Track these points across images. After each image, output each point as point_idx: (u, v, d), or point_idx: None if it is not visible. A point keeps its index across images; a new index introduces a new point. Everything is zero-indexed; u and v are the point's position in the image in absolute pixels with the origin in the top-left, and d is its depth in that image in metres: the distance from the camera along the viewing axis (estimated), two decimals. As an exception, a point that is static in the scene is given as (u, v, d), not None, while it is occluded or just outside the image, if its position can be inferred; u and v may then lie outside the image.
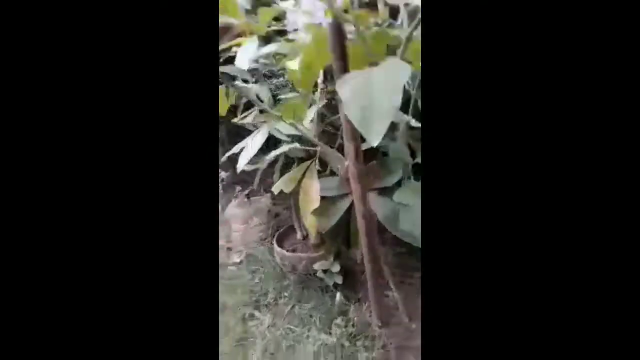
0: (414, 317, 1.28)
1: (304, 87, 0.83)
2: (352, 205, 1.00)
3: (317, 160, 0.97)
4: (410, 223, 0.78)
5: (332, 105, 1.23)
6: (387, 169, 1.00)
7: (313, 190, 0.96)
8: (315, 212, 0.97)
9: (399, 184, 1.03)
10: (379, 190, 0.98)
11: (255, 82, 1.06)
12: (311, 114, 0.91)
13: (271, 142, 0.99)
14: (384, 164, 1.02)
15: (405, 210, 0.79)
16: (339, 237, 1.12)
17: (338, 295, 1.27)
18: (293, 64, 0.76)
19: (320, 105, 0.86)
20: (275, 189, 1.01)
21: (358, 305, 1.29)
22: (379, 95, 0.47)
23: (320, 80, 0.81)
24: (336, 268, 1.26)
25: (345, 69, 0.63)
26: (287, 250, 1.38)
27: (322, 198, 0.97)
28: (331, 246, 1.16)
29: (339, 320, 1.20)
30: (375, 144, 0.46)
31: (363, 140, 0.73)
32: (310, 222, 0.97)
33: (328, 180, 1.00)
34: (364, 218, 0.88)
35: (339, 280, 1.28)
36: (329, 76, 0.90)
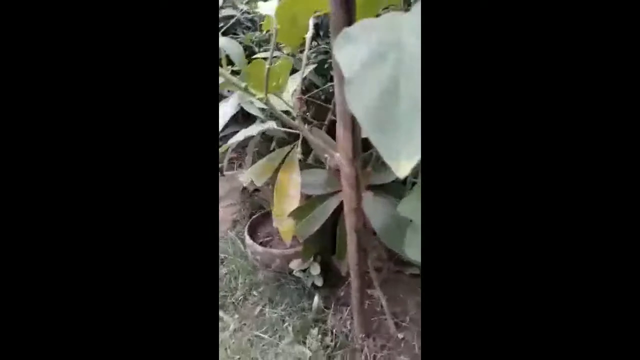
0: (402, 324, 1.13)
1: (287, 42, 0.57)
2: (341, 206, 0.79)
3: (299, 146, 0.73)
4: (417, 249, 0.56)
5: (324, 69, 0.96)
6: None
7: (292, 186, 0.72)
8: (294, 214, 0.74)
9: (403, 181, 0.81)
10: (375, 190, 0.76)
11: (224, 34, 0.77)
12: (294, 83, 0.65)
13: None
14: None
15: (414, 230, 0.57)
16: (321, 242, 0.91)
17: (316, 299, 1.09)
18: (269, 7, 0.50)
19: (306, 72, 0.60)
20: (245, 179, 0.77)
21: (337, 311, 1.12)
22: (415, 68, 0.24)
23: (309, 35, 0.55)
24: (316, 269, 1.06)
25: (349, 19, 0.38)
26: (261, 243, 1.17)
27: (304, 196, 0.75)
28: (309, 251, 0.95)
29: (315, 331, 1.03)
30: (404, 174, 0.24)
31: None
32: (285, 227, 0.75)
33: (312, 173, 0.77)
34: (356, 232, 0.66)
35: (319, 282, 1.09)
36: (322, 30, 0.63)
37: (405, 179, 0.80)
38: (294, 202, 0.73)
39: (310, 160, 0.90)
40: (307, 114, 0.83)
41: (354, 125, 0.48)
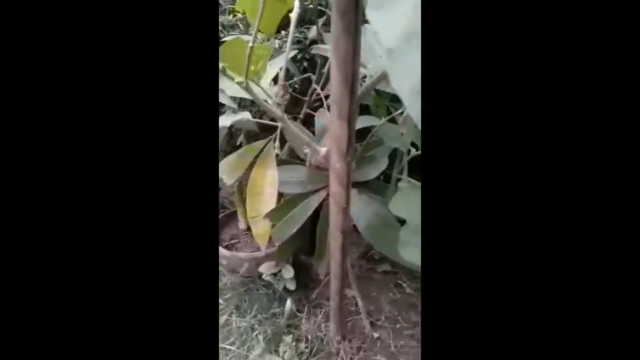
0: (376, 323, 1.10)
1: (265, 27, 0.49)
2: (321, 205, 0.73)
3: (277, 140, 0.65)
4: (414, 250, 0.52)
5: (297, 59, 0.89)
6: (372, 156, 0.73)
7: (268, 184, 0.65)
8: (271, 215, 0.67)
9: (386, 178, 0.77)
10: (359, 188, 0.71)
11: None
12: (272, 70, 0.57)
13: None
14: (369, 148, 0.74)
15: (408, 232, 0.53)
16: (297, 243, 0.84)
17: (289, 303, 1.02)
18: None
19: (289, 56, 0.53)
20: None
21: (312, 314, 1.07)
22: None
23: (294, 16, 0.48)
24: (289, 272, 0.99)
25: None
26: (226, 246, 1.08)
27: (280, 195, 0.67)
28: (285, 253, 0.88)
29: (289, 338, 0.96)
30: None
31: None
32: (260, 229, 0.67)
33: (291, 169, 0.70)
34: (342, 232, 0.61)
35: (292, 285, 1.03)
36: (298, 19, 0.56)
37: (390, 176, 0.76)
38: (270, 202, 0.66)
39: (284, 156, 0.83)
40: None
41: (350, 115, 0.42)
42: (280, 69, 0.51)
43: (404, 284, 1.25)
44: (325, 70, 0.84)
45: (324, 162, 0.64)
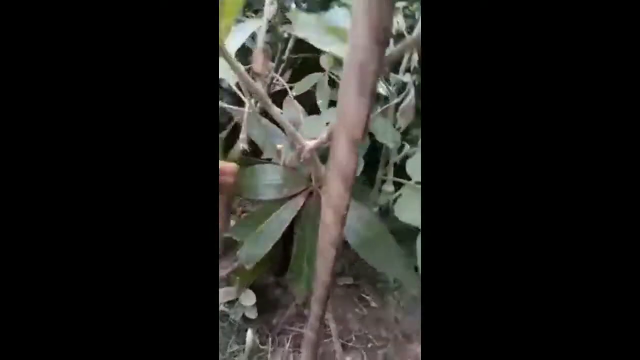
0: (347, 345, 0.99)
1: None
2: (298, 214, 0.59)
3: (244, 132, 0.50)
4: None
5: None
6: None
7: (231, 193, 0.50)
8: (234, 232, 0.52)
9: (370, 180, 0.67)
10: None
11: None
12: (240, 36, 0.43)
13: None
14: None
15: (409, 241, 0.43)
16: (264, 262, 0.69)
17: (249, 336, 0.85)
18: None
19: (271, 16, 0.39)
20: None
21: (277, 344, 0.91)
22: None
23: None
24: (250, 299, 0.83)
25: None
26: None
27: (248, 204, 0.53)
28: (247, 277, 0.72)
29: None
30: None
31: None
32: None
33: (263, 171, 0.55)
34: (336, 247, 0.49)
35: (252, 314, 0.86)
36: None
37: (374, 179, 0.66)
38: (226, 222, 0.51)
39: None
40: (274, 77, 0.59)
41: (373, 90, 0.31)
42: (258, 30, 0.37)
43: (368, 297, 1.17)
44: (285, 56, 0.72)
45: (305, 159, 0.52)
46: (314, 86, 0.65)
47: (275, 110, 0.39)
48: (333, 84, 0.70)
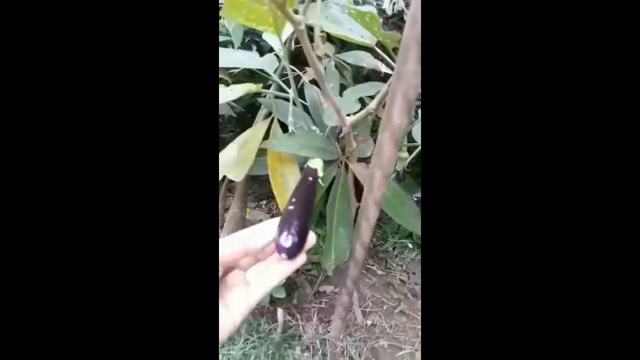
0: (365, 311, 1.08)
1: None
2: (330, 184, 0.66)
3: (290, 112, 0.55)
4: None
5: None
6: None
7: (291, 176, 0.55)
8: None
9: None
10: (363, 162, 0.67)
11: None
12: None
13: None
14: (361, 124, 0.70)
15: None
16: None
17: (280, 315, 0.91)
18: None
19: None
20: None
21: (307, 319, 0.97)
22: None
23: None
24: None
25: None
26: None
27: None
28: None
29: (292, 353, 0.85)
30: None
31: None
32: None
33: (305, 135, 0.60)
34: (378, 206, 0.56)
35: (280, 293, 0.91)
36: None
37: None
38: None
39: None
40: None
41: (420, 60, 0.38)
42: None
43: (373, 267, 1.26)
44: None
45: (345, 133, 0.58)
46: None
47: (328, 90, 0.45)
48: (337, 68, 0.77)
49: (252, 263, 0.29)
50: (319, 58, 0.41)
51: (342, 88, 0.76)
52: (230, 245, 0.27)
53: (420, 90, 0.41)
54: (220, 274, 0.26)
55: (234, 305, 0.26)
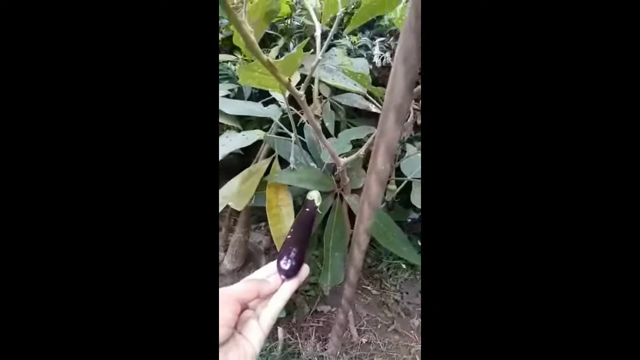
0: (360, 329, 1.13)
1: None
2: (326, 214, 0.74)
3: (292, 149, 0.64)
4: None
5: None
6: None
7: (284, 206, 0.63)
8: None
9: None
10: (356, 194, 0.76)
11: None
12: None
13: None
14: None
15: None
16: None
17: (280, 333, 0.97)
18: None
19: (321, 52, 0.53)
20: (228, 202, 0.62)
21: (304, 337, 1.03)
22: None
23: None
24: (278, 299, 0.94)
25: None
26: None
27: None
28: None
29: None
30: None
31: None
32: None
33: (304, 171, 0.68)
34: (368, 235, 0.64)
35: (282, 313, 0.97)
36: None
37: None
38: (290, 219, 0.64)
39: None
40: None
41: (407, 116, 0.47)
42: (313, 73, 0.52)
43: (368, 287, 1.32)
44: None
45: (340, 171, 0.67)
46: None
47: (324, 139, 0.54)
48: (332, 108, 0.86)
49: (259, 302, 0.35)
50: (317, 117, 0.49)
51: (337, 124, 0.85)
52: (248, 288, 0.32)
53: (398, 144, 0.50)
54: (238, 312, 0.31)
55: (252, 336, 0.30)
